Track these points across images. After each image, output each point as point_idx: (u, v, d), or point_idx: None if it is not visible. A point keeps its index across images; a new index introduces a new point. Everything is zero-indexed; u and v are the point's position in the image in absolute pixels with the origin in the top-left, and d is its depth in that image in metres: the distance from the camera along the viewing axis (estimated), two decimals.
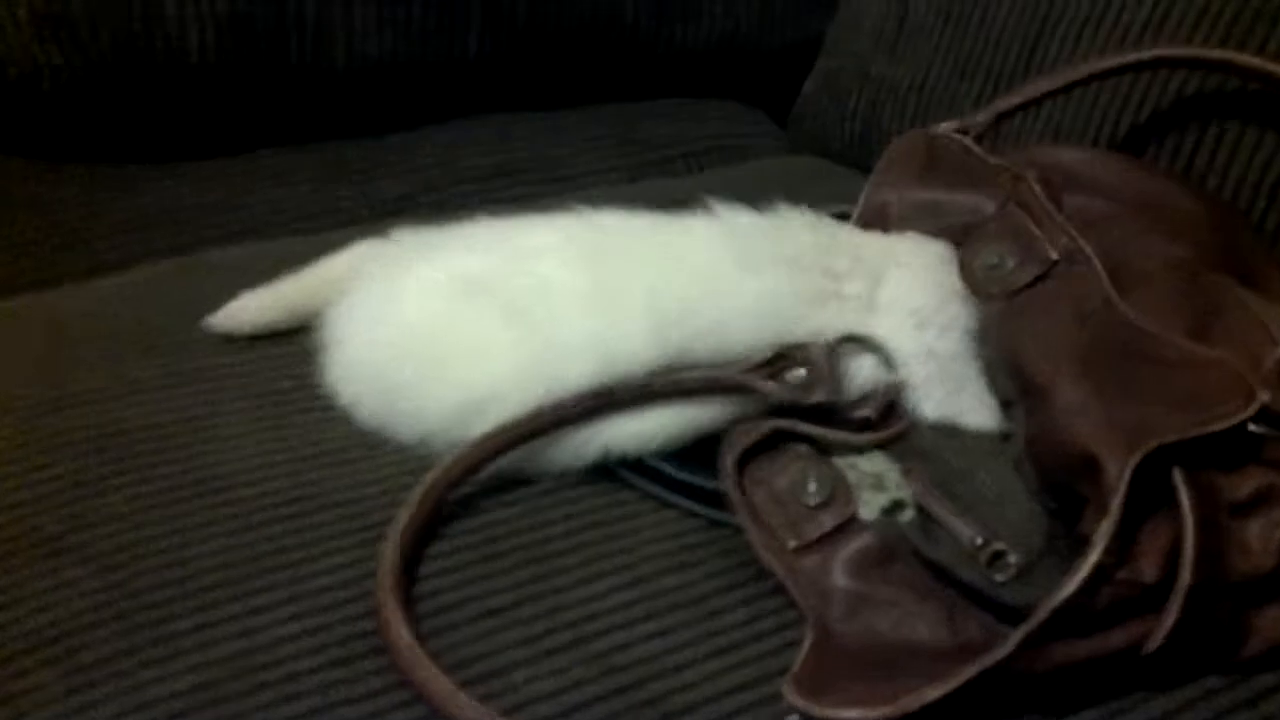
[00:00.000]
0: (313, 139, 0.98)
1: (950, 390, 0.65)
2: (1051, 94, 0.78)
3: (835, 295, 0.66)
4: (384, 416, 0.67)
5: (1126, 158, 0.77)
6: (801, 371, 0.65)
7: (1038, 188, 0.66)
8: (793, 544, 0.61)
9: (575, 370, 0.65)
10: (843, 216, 0.73)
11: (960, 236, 0.68)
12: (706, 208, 0.69)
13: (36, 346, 0.75)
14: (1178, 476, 0.56)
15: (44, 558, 0.61)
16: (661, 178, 1.01)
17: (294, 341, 0.72)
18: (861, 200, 0.73)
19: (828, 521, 0.62)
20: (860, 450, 0.64)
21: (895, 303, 0.66)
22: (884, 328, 0.66)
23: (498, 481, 0.66)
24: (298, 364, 0.71)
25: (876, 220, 0.71)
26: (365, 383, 0.68)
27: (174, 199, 0.92)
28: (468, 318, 0.67)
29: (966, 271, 0.66)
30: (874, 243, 0.69)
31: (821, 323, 0.66)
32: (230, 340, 0.74)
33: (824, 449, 0.64)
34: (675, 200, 0.89)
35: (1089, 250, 0.63)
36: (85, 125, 0.94)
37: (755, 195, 0.92)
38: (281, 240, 0.80)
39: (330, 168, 0.96)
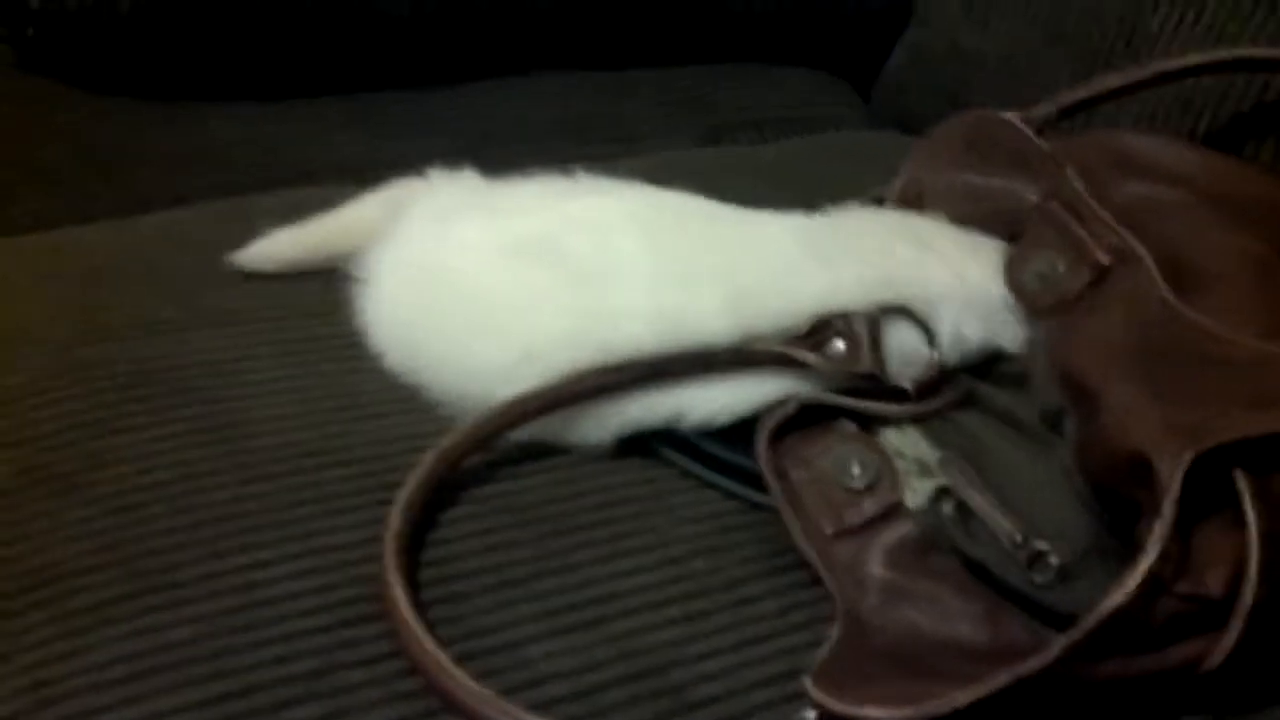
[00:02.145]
0: (371, 87, 0.95)
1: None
2: (1119, 92, 0.73)
3: (926, 265, 0.63)
4: (415, 365, 0.64)
5: (1210, 150, 0.72)
6: (841, 343, 0.61)
7: (1078, 183, 0.62)
8: (830, 529, 0.58)
9: (636, 339, 0.62)
10: (878, 200, 0.70)
11: (997, 223, 0.64)
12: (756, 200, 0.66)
13: (70, 281, 0.73)
14: (1242, 482, 0.51)
15: (51, 495, 0.59)
16: (730, 145, 0.97)
17: (332, 289, 0.69)
18: (897, 180, 0.69)
19: (869, 507, 0.58)
20: (897, 424, 0.61)
21: (981, 287, 0.62)
22: (967, 310, 0.62)
23: (532, 448, 0.63)
24: (334, 311, 0.68)
25: (909, 201, 0.68)
26: (399, 328, 0.65)
27: (222, 140, 0.90)
28: (522, 274, 0.64)
29: (1016, 284, 0.62)
30: (940, 230, 0.65)
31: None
32: (266, 285, 0.71)
33: (871, 430, 0.61)
34: (738, 170, 0.86)
35: (1140, 250, 0.58)
36: (138, 56, 0.92)
37: (823, 171, 0.89)
38: (330, 187, 0.77)
39: (387, 117, 0.93)
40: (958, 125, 0.70)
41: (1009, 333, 0.63)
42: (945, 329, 0.62)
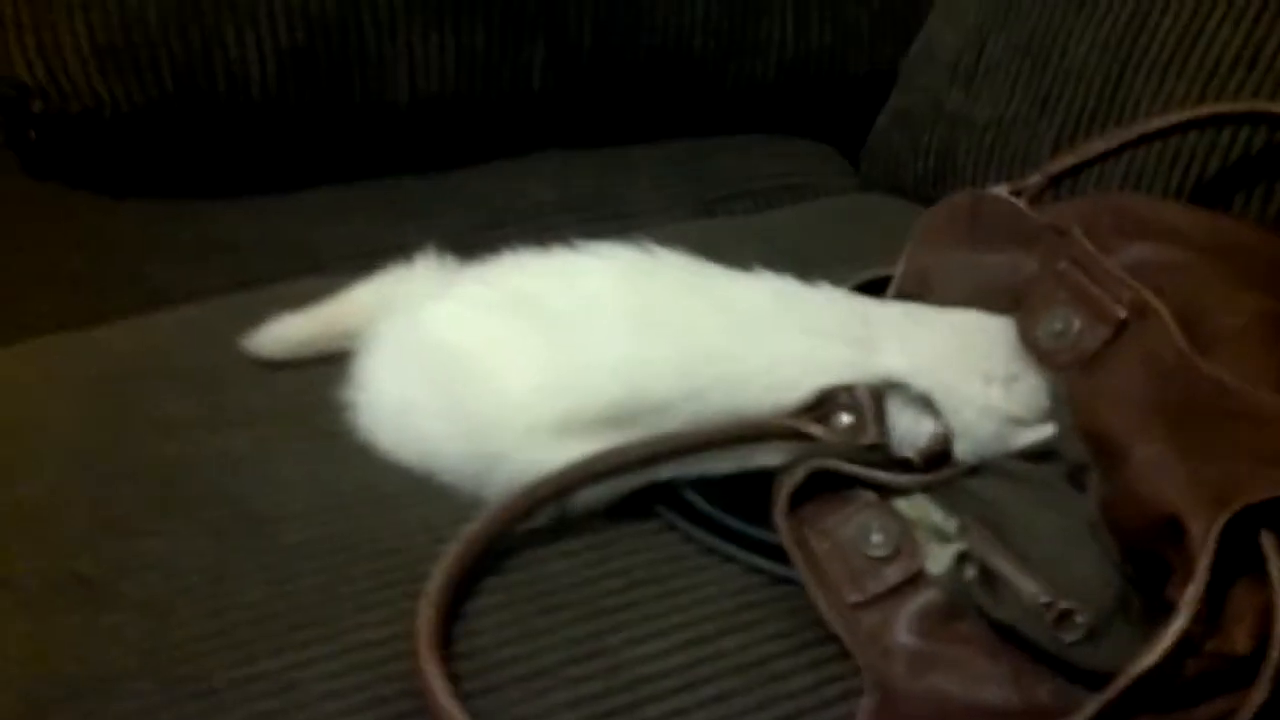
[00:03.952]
0: (374, 173, 0.96)
1: (996, 435, 0.63)
2: (1105, 155, 0.75)
3: (860, 363, 0.64)
4: (412, 443, 0.66)
5: (1203, 208, 0.73)
6: (847, 416, 0.63)
7: (1085, 242, 0.63)
8: (854, 599, 0.59)
9: (602, 391, 0.64)
10: (886, 280, 0.71)
11: (1002, 298, 0.66)
12: (753, 267, 0.68)
13: (87, 383, 0.73)
14: (1267, 541, 0.52)
15: (82, 603, 0.59)
16: (727, 215, 0.98)
17: (346, 381, 0.70)
18: (901, 264, 0.70)
19: (892, 575, 0.59)
20: (907, 494, 0.61)
21: (919, 357, 0.64)
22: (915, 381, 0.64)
23: (553, 530, 0.64)
24: (349, 405, 0.69)
25: (917, 284, 0.69)
26: (392, 420, 0.67)
27: (233, 233, 0.91)
28: (503, 328, 0.66)
29: (1029, 341, 0.63)
30: (895, 310, 0.68)
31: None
32: (282, 378, 0.72)
33: (889, 498, 0.62)
34: (737, 239, 0.88)
35: (1156, 302, 0.60)
36: (146, 158, 0.93)
37: (818, 236, 0.90)
38: (340, 276, 0.78)
39: (391, 202, 0.95)
40: (954, 205, 0.71)
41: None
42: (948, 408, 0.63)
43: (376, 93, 0.93)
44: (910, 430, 0.64)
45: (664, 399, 0.64)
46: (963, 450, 0.63)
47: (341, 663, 0.57)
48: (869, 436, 0.63)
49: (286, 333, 0.74)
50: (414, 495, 0.65)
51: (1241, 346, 0.59)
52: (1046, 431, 0.63)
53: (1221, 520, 0.52)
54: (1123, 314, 0.60)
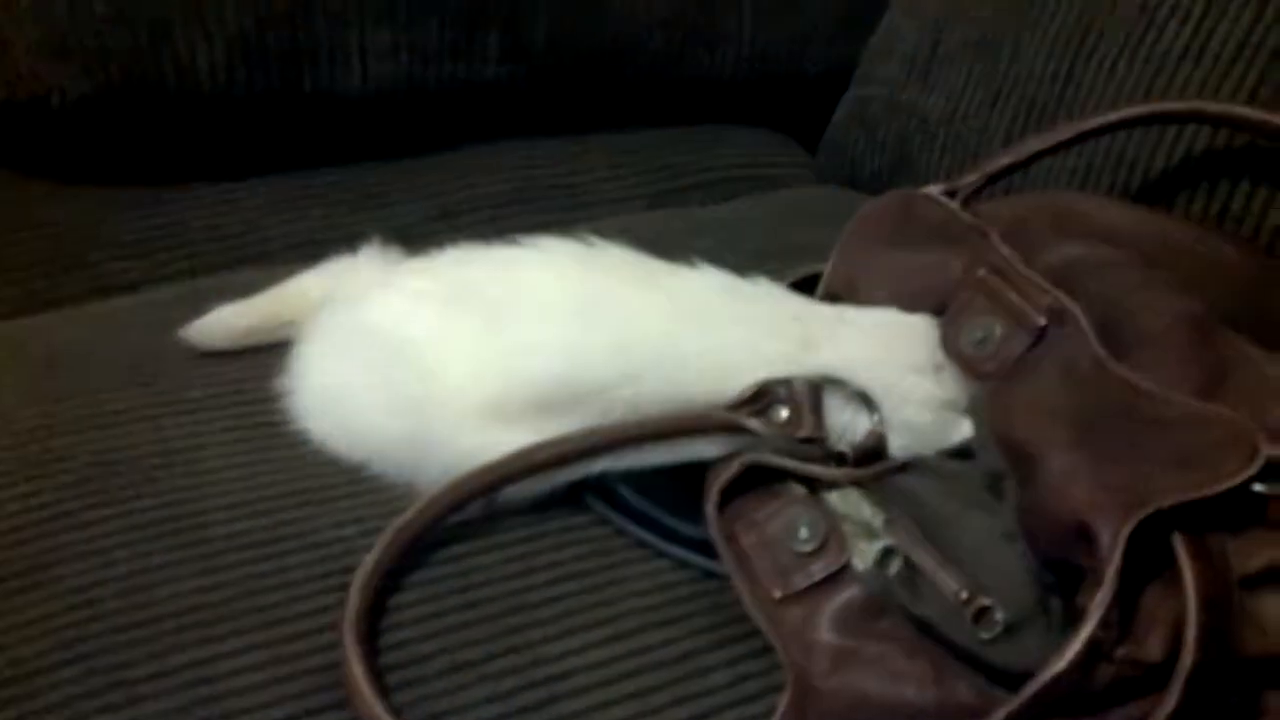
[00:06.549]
0: (327, 163, 0.96)
1: (935, 426, 0.63)
2: (1043, 153, 0.75)
3: (795, 359, 0.64)
4: (346, 430, 0.66)
5: (1146, 208, 0.73)
6: (784, 410, 0.63)
7: (1004, 248, 0.63)
8: (778, 594, 0.59)
9: (539, 371, 0.64)
10: (818, 277, 0.71)
11: (927, 302, 0.65)
12: (695, 261, 0.68)
13: (29, 372, 0.74)
14: (1179, 546, 0.52)
15: (13, 593, 0.60)
16: (682, 206, 0.98)
17: (282, 372, 0.70)
18: (829, 266, 0.70)
19: (817, 571, 0.60)
20: (840, 488, 0.62)
21: (849, 356, 0.64)
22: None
23: (483, 523, 0.64)
24: (285, 395, 0.69)
25: (844, 286, 0.69)
26: (329, 407, 0.68)
27: (184, 223, 0.91)
28: (436, 320, 0.66)
29: (954, 351, 0.63)
30: (826, 311, 0.68)
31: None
32: (220, 369, 0.72)
33: (818, 493, 0.62)
34: (687, 232, 0.88)
35: (1073, 308, 0.59)
36: (96, 146, 0.93)
37: (769, 230, 0.90)
38: (286, 266, 0.79)
39: (344, 193, 0.95)
40: (883, 206, 0.71)
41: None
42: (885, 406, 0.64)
43: (328, 83, 0.93)
44: (847, 425, 0.64)
45: (601, 381, 0.64)
46: (899, 446, 0.64)
47: (263, 655, 0.57)
48: (805, 430, 0.63)
49: (226, 322, 0.74)
50: (345, 488, 0.65)
51: (1163, 349, 0.59)
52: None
53: (1129, 526, 0.52)
54: (1042, 321, 0.60)
